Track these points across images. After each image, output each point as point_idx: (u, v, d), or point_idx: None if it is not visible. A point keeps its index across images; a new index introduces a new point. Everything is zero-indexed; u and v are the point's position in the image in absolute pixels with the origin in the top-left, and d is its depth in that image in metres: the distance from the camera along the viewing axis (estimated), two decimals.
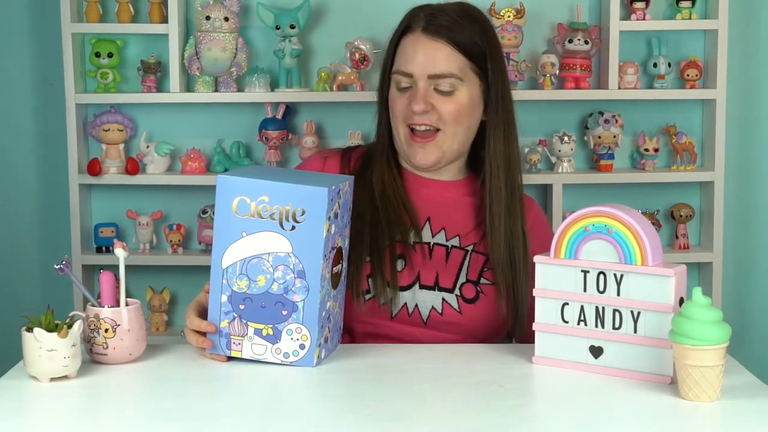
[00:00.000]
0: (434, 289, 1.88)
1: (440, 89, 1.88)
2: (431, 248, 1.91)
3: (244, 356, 1.67)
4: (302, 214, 1.61)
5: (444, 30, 1.87)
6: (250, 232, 1.63)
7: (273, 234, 1.63)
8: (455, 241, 1.92)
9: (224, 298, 1.66)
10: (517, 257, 1.90)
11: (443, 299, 1.88)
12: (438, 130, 1.89)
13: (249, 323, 1.66)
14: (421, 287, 1.88)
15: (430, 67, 1.87)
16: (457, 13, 1.90)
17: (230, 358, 1.69)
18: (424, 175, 1.97)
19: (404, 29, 1.91)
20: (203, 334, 1.69)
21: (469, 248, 1.92)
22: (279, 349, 1.66)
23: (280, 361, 1.67)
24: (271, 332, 1.66)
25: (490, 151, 1.93)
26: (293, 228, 1.62)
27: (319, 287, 1.64)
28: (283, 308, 1.65)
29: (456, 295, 1.88)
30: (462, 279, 1.90)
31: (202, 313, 1.72)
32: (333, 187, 1.63)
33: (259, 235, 1.63)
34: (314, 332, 1.65)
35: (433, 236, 1.92)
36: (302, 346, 1.66)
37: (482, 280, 1.90)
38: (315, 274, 1.63)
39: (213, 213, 2.91)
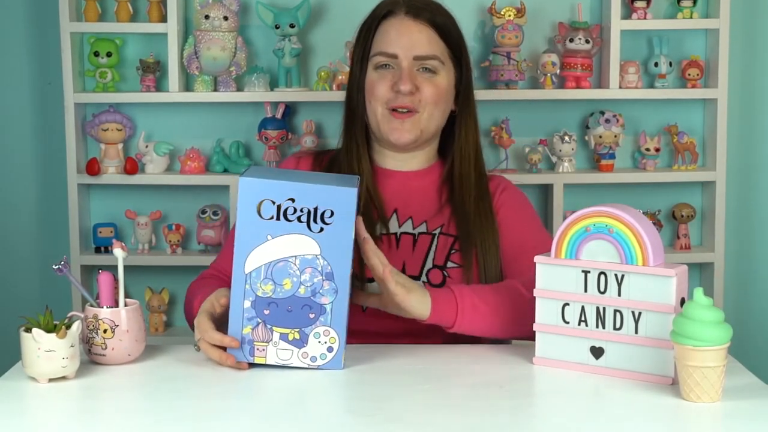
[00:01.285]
0: None
1: (425, 67, 1.92)
2: (398, 238, 1.94)
3: (268, 362, 1.64)
4: (331, 216, 1.59)
5: (426, 13, 1.93)
6: (276, 235, 1.60)
7: (300, 236, 1.59)
8: (422, 228, 1.95)
9: (247, 304, 1.62)
10: (487, 236, 1.93)
11: None
12: (417, 112, 1.93)
13: (274, 328, 1.62)
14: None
15: (416, 48, 1.91)
16: (432, 2, 1.98)
17: (251, 365, 1.65)
18: (391, 167, 2.00)
19: (384, 14, 1.96)
20: (223, 347, 1.64)
21: (437, 231, 1.94)
22: (306, 353, 1.63)
23: (307, 365, 1.64)
24: (297, 336, 1.62)
25: (461, 139, 1.99)
26: (321, 230, 1.59)
27: (347, 288, 1.62)
28: (310, 311, 1.62)
29: (423, 282, 1.90)
30: (428, 265, 1.92)
31: (215, 324, 1.67)
32: (357, 187, 1.62)
33: (285, 238, 1.60)
34: (342, 334, 1.63)
35: (399, 226, 1.95)
36: (330, 349, 1.63)
37: (449, 264, 1.92)
38: (343, 275, 1.61)
39: (211, 214, 2.91)
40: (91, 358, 1.69)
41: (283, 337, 1.62)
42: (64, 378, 1.61)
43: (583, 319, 1.64)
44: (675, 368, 1.54)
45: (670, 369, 1.57)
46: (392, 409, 1.48)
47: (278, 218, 1.59)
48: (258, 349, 1.63)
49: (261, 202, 1.58)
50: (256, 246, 1.59)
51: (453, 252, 1.93)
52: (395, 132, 1.94)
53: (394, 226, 1.95)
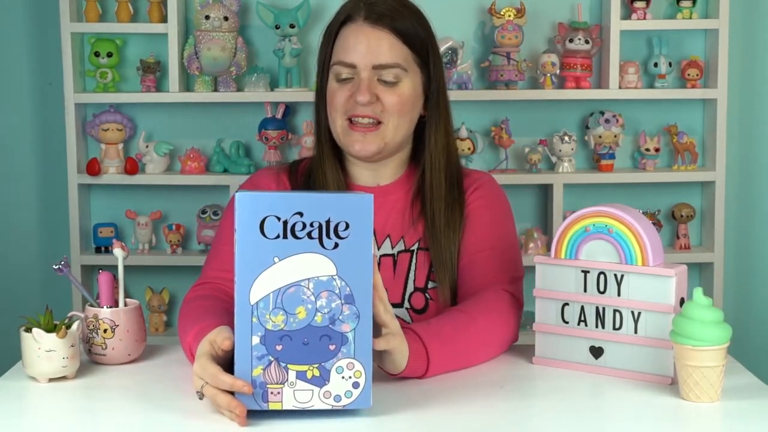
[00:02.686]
0: None
1: (384, 80, 1.81)
2: (378, 262, 1.83)
3: (285, 408, 1.42)
4: (346, 228, 1.40)
5: (386, 18, 1.81)
6: (284, 256, 1.40)
7: (312, 255, 1.40)
8: (400, 245, 1.86)
9: (256, 340, 1.40)
10: (453, 251, 1.84)
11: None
12: (380, 122, 1.82)
13: (289, 366, 1.41)
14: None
15: (375, 57, 1.80)
16: (396, 2, 1.85)
17: (255, 412, 1.43)
18: (365, 183, 1.90)
19: (344, 19, 1.85)
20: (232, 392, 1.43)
21: (414, 248, 1.86)
22: (329, 393, 1.42)
23: (330, 407, 1.42)
24: (317, 373, 1.41)
25: (431, 145, 1.87)
26: (336, 246, 1.40)
27: (371, 311, 1.43)
28: (330, 342, 1.41)
29: (406, 309, 1.84)
30: (410, 289, 1.85)
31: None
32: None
33: (295, 259, 1.40)
34: (369, 366, 1.43)
35: (378, 248, 1.86)
36: (356, 385, 1.42)
37: (429, 284, 1.85)
38: (365, 296, 1.42)
39: (211, 214, 2.91)
40: (91, 358, 1.69)
41: (301, 375, 1.41)
42: (64, 378, 1.61)
43: (582, 319, 1.64)
44: (674, 368, 1.54)
45: (670, 369, 1.57)
46: (391, 409, 1.48)
47: (285, 236, 1.39)
48: (272, 393, 1.41)
49: (264, 219, 1.39)
50: (261, 271, 1.39)
51: (432, 271, 1.85)
52: (357, 144, 1.82)
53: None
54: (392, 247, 1.86)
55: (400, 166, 1.91)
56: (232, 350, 1.43)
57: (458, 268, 1.84)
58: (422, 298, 1.84)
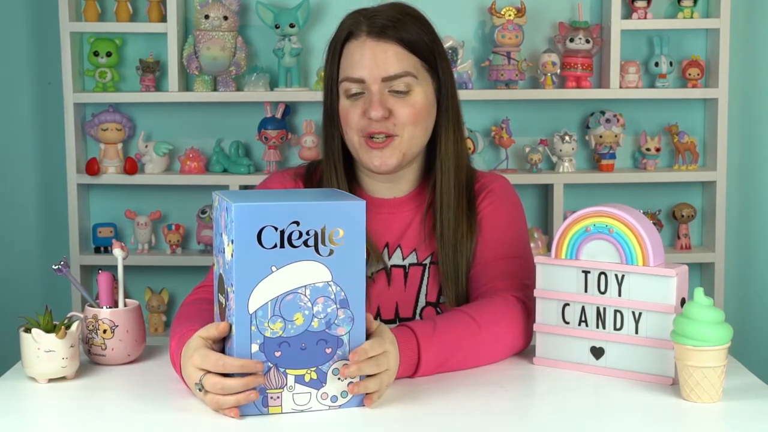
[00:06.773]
0: (395, 322, 1.82)
1: (396, 90, 1.78)
2: (389, 272, 1.83)
3: (284, 411, 1.45)
4: (340, 235, 1.43)
5: (390, 29, 1.78)
6: (281, 265, 1.41)
7: (309, 263, 1.42)
8: (412, 258, 1.85)
9: (255, 348, 1.42)
10: (461, 264, 1.82)
11: None
12: (395, 136, 1.79)
13: (288, 371, 1.44)
14: (382, 322, 1.79)
15: (383, 69, 1.77)
16: (397, 12, 1.82)
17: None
18: (381, 195, 1.88)
19: (346, 36, 1.80)
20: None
21: (427, 261, 1.84)
22: (326, 394, 1.46)
23: (327, 407, 1.47)
24: (314, 376, 1.45)
25: (442, 153, 1.85)
26: (331, 252, 1.43)
27: (364, 314, 1.47)
28: (326, 346, 1.45)
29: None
30: (422, 303, 1.84)
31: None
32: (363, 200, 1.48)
33: (292, 267, 1.42)
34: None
35: (389, 258, 1.85)
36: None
37: (441, 299, 1.83)
38: (359, 300, 1.45)
39: (211, 214, 2.90)
40: (90, 358, 1.69)
41: (299, 379, 1.45)
42: (63, 378, 1.60)
43: (583, 319, 1.63)
44: (675, 368, 1.53)
45: (671, 369, 1.57)
46: (392, 409, 1.48)
47: (282, 246, 1.41)
48: (272, 398, 1.44)
49: (261, 230, 1.40)
50: (260, 280, 1.41)
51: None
52: (376, 159, 1.79)
53: (384, 260, 1.85)
54: (403, 259, 1.85)
55: (416, 178, 1.89)
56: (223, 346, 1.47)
57: (471, 274, 1.82)
58: (434, 312, 1.83)
